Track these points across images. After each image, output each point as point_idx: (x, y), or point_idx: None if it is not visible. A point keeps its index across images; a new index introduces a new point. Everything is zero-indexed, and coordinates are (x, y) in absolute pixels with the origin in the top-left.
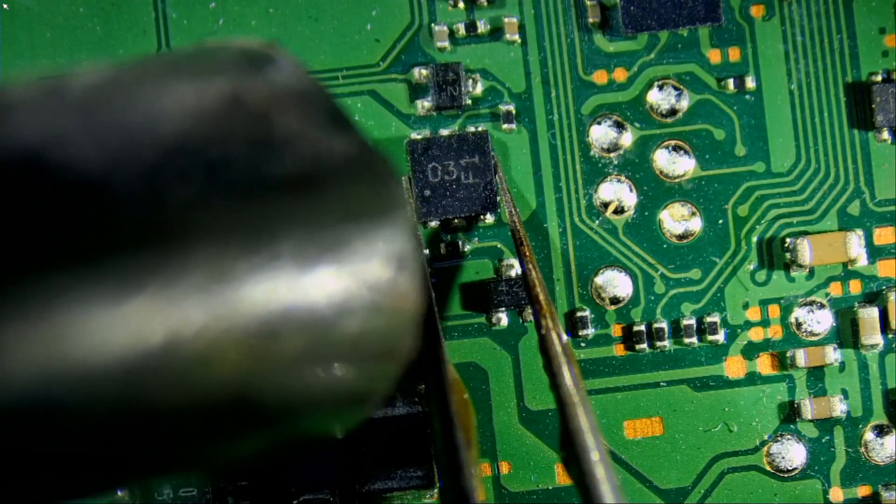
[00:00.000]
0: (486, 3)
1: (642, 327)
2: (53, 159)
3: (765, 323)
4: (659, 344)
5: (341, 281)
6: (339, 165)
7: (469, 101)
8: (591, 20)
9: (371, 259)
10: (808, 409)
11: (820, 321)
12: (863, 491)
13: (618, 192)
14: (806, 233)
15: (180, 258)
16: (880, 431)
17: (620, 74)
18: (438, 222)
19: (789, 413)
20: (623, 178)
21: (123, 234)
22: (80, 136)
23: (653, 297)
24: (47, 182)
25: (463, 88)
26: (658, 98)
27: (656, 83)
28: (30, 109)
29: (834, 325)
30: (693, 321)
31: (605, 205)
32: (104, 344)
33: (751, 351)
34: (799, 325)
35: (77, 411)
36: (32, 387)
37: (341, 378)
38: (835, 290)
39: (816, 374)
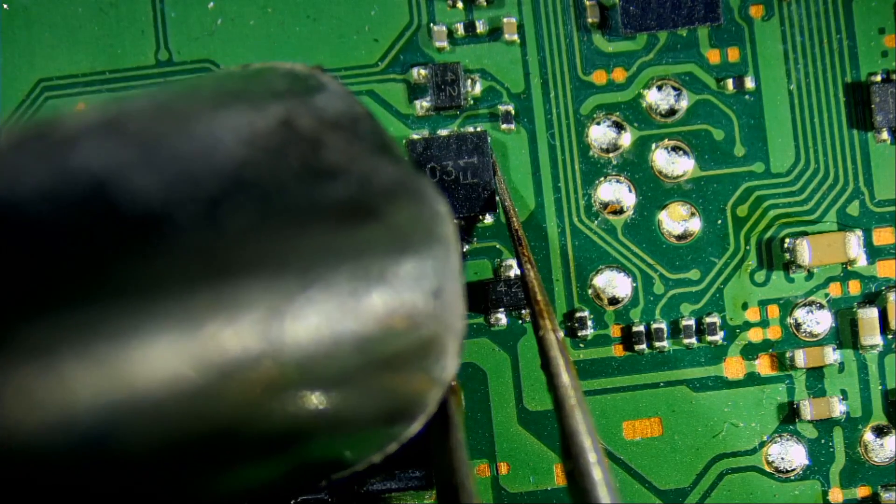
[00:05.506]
0: (484, 4)
1: (641, 328)
2: (117, 191)
3: (764, 323)
4: (658, 344)
5: (389, 308)
6: (387, 192)
7: (468, 102)
8: (590, 20)
9: (416, 289)
10: (808, 409)
11: (819, 322)
12: (862, 492)
13: (617, 193)
14: (805, 233)
15: (240, 292)
16: (880, 432)
17: (619, 74)
18: None
19: (789, 414)
20: (622, 178)
21: (186, 265)
22: (142, 167)
23: (652, 298)
24: (113, 213)
25: (462, 88)
26: (657, 98)
27: (655, 83)
28: (91, 142)
29: (833, 325)
30: (692, 322)
31: (605, 205)
32: (167, 377)
33: (750, 351)
34: (798, 325)
35: (139, 446)
36: (99, 422)
37: (387, 394)
38: (834, 290)
39: (816, 375)
